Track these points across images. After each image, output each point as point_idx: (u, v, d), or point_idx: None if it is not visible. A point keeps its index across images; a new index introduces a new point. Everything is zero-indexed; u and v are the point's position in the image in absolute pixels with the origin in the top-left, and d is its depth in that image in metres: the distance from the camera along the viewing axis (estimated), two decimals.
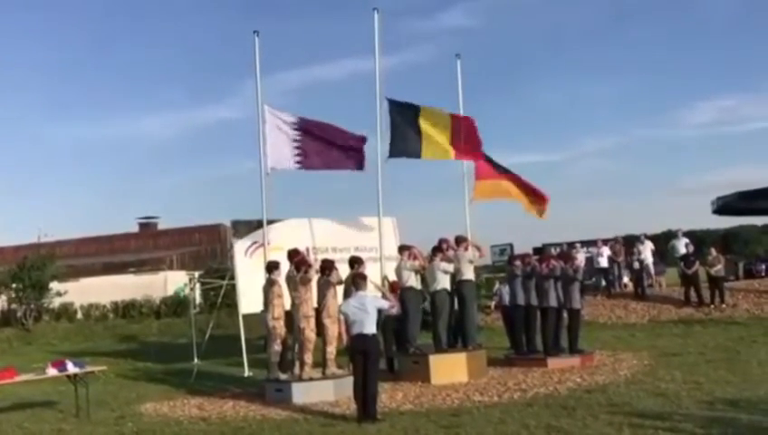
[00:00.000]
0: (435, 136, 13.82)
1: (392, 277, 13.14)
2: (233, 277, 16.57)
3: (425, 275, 12.91)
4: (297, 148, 13.36)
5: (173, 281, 32.87)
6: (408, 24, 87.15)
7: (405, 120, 13.70)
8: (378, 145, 13.52)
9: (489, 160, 15.04)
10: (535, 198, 15.40)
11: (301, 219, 16.05)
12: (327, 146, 13.49)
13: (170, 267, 35.97)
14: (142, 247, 41.70)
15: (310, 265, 11.34)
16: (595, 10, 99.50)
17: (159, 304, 29.16)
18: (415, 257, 12.72)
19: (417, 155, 13.92)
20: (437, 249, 12.85)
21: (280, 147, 13.31)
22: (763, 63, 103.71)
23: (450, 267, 12.63)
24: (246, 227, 15.93)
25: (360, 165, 13.52)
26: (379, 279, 13.00)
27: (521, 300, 13.55)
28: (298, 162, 13.43)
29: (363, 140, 13.53)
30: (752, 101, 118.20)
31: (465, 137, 13.89)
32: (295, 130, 13.35)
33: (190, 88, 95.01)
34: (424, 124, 13.76)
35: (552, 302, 13.35)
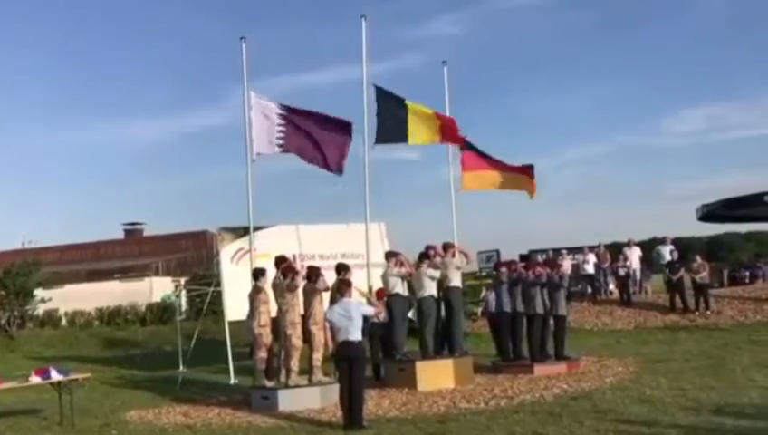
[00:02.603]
0: (422, 119, 13.76)
1: (379, 284, 13.13)
2: (219, 284, 16.54)
3: (411, 281, 12.91)
4: (281, 133, 13.12)
5: (159, 288, 32.70)
6: (395, 31, 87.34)
7: (392, 106, 13.63)
8: (365, 151, 13.54)
9: (476, 150, 15.00)
10: (523, 178, 15.31)
11: (287, 226, 16.04)
12: (311, 140, 13.18)
13: (156, 274, 35.81)
14: (127, 254, 41.51)
15: (297, 272, 11.31)
16: (581, 18, 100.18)
17: (145, 310, 29.00)
18: (401, 264, 12.72)
19: (404, 140, 13.86)
20: (424, 256, 12.86)
21: (265, 132, 13.09)
22: (749, 71, 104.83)
23: (437, 274, 12.63)
24: (233, 234, 15.91)
25: (339, 168, 13.11)
26: (365, 286, 12.98)
27: (507, 307, 13.57)
28: (280, 145, 13.18)
29: (350, 128, 13.13)
30: (737, 109, 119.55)
31: (449, 126, 13.96)
32: (280, 117, 13.15)
33: (177, 94, 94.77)
34: (411, 109, 13.72)
35: (539, 308, 13.38)
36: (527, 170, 15.27)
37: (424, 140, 14.01)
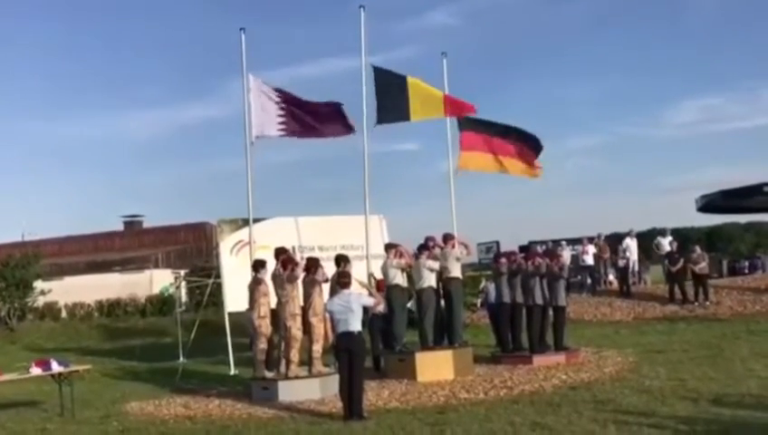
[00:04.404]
0: (424, 94, 13.60)
1: (379, 275, 13.14)
2: (219, 276, 16.55)
3: (411, 273, 12.91)
4: (281, 116, 13.09)
5: (158, 279, 32.75)
6: (393, 23, 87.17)
7: (391, 84, 13.48)
8: (365, 142, 13.50)
9: (473, 129, 14.83)
10: (526, 158, 15.15)
11: (287, 218, 16.04)
12: (310, 115, 13.20)
13: (155, 266, 35.84)
14: (127, 246, 41.50)
15: (296, 264, 11.31)
16: (579, 10, 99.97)
17: (145, 302, 29.04)
18: (401, 255, 12.71)
19: (406, 118, 13.67)
20: (424, 247, 12.86)
21: (264, 115, 13.03)
22: (746, 63, 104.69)
23: (436, 265, 12.63)
24: (232, 226, 15.91)
25: (347, 129, 13.18)
26: (365, 277, 13.00)
27: (507, 298, 13.57)
28: (281, 129, 13.15)
29: (339, 105, 13.19)
30: (735, 100, 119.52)
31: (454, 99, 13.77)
32: (279, 98, 13.12)
33: (175, 86, 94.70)
34: (412, 84, 13.52)
35: (538, 299, 13.38)
36: (531, 150, 15.07)
37: (427, 115, 13.84)
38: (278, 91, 13.21)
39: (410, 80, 13.58)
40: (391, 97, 13.43)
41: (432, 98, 13.66)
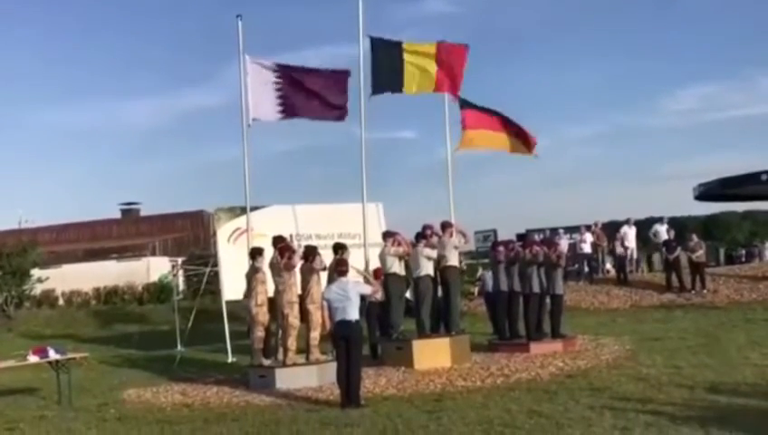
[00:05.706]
0: (418, 67, 13.52)
1: (376, 264, 13.13)
2: (216, 264, 16.55)
3: (408, 261, 12.91)
4: (279, 97, 12.98)
5: (155, 267, 32.70)
6: (392, 9, 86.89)
7: (387, 55, 13.37)
8: (362, 130, 13.45)
9: (473, 108, 14.76)
10: (524, 138, 15.12)
11: (284, 206, 16.03)
12: (309, 95, 13.13)
13: (153, 254, 35.80)
14: (124, 234, 41.43)
15: (294, 252, 11.31)
16: None
17: (142, 290, 29.03)
18: (399, 244, 12.70)
19: (399, 89, 13.60)
20: (421, 235, 12.85)
21: (262, 97, 12.93)
22: (745, 51, 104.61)
23: (433, 253, 12.62)
24: (229, 214, 15.90)
25: (340, 116, 13.19)
26: (362, 265, 12.98)
27: (504, 286, 13.57)
28: (281, 112, 13.07)
29: (347, 75, 13.14)
30: (733, 88, 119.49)
31: (448, 63, 13.68)
32: (277, 77, 13.01)
33: (173, 74, 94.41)
34: (408, 56, 13.44)
35: (535, 287, 13.39)
36: (526, 131, 15.02)
37: (419, 89, 13.78)
38: (277, 65, 13.10)
39: (406, 47, 13.49)
40: (387, 68, 13.37)
41: (426, 71, 13.62)
